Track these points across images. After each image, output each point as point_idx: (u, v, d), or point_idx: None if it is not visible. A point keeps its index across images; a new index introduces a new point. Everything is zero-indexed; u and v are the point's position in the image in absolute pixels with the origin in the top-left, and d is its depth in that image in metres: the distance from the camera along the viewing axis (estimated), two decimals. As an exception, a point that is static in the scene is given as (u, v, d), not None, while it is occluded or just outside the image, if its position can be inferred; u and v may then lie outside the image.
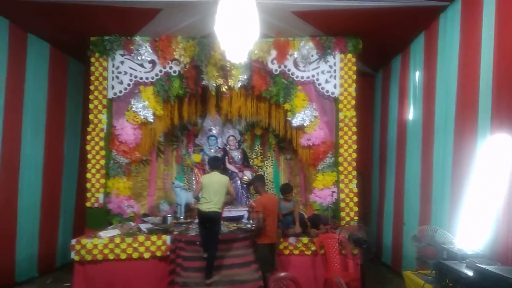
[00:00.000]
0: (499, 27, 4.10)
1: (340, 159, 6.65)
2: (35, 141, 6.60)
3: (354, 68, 6.77)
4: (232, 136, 7.99)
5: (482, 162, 4.27)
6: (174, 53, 6.56)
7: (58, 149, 7.27)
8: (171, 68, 6.66)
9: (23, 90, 6.30)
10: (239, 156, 7.90)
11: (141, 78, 6.68)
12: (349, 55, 6.75)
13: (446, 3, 5.25)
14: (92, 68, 6.66)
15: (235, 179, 7.70)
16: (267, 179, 7.93)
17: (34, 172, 6.56)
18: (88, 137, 6.57)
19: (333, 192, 6.57)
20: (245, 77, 6.72)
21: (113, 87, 6.65)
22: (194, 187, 7.69)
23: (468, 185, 4.51)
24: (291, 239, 5.76)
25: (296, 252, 5.76)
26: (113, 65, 6.67)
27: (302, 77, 6.75)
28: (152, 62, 6.69)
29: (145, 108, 6.66)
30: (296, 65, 6.75)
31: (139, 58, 6.66)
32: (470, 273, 3.14)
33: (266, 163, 8.40)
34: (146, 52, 6.64)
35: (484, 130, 4.23)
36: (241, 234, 5.91)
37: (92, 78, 6.65)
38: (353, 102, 6.71)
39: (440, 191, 5.34)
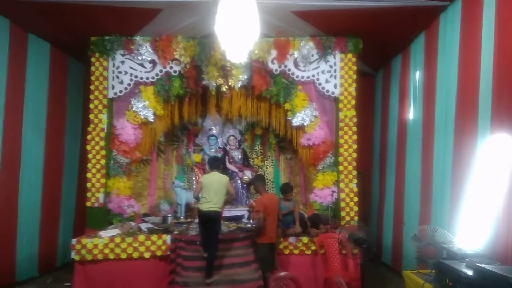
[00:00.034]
0: (499, 27, 4.10)
1: (340, 158, 6.66)
2: (36, 141, 6.60)
3: (354, 68, 6.77)
4: (233, 136, 8.00)
5: (482, 162, 4.27)
6: (175, 53, 6.56)
7: (58, 148, 7.28)
8: (171, 68, 6.67)
9: (24, 90, 6.31)
10: (240, 156, 7.91)
11: (141, 78, 6.69)
12: (349, 55, 6.75)
13: (446, 3, 5.26)
14: (93, 68, 6.66)
15: (235, 178, 7.71)
16: (267, 179, 7.94)
17: (35, 172, 6.57)
18: (89, 137, 6.57)
19: (333, 191, 6.57)
20: (246, 77, 6.73)
21: (113, 87, 6.66)
22: (194, 186, 7.69)
23: (468, 184, 4.52)
24: (291, 239, 5.77)
25: (296, 251, 5.76)
26: (114, 65, 6.67)
27: (303, 77, 6.75)
28: (153, 62, 6.69)
29: (145, 108, 6.66)
30: (296, 65, 6.76)
31: (139, 58, 6.66)
32: (470, 272, 3.14)
33: (266, 162, 8.41)
34: (146, 52, 6.64)
35: (484, 130, 4.23)
36: (241, 234, 5.91)
37: (92, 78, 6.66)
38: (353, 102, 6.71)
39: (440, 191, 5.35)
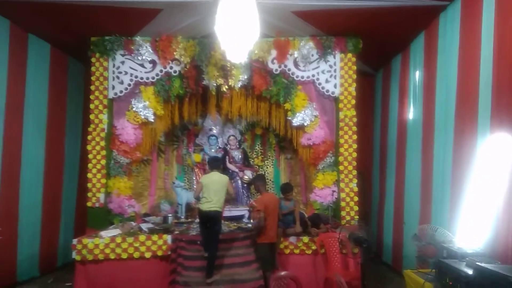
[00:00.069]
0: (498, 26, 4.11)
1: (341, 158, 6.67)
2: (36, 141, 6.61)
3: (354, 67, 6.78)
4: (233, 135, 8.00)
5: (482, 161, 4.28)
6: (175, 53, 6.57)
7: (59, 149, 7.29)
8: (171, 68, 6.67)
9: (24, 90, 6.31)
10: (240, 156, 7.91)
11: (141, 78, 6.69)
12: (349, 55, 6.76)
13: (446, 2, 5.26)
14: (93, 68, 6.67)
15: (235, 178, 7.72)
16: (267, 179, 7.94)
17: (35, 172, 6.58)
18: (89, 137, 6.58)
19: (334, 191, 6.58)
20: (246, 77, 6.73)
21: (113, 87, 6.66)
22: (194, 186, 7.70)
23: (468, 184, 4.53)
24: (292, 238, 5.78)
25: (297, 251, 5.77)
26: (114, 65, 6.68)
27: (302, 77, 6.76)
28: (153, 62, 6.70)
29: (145, 108, 6.67)
30: (296, 64, 6.76)
31: (139, 58, 6.67)
32: (470, 271, 3.15)
33: (267, 162, 8.41)
34: (146, 52, 6.65)
35: (484, 129, 4.24)
36: (242, 234, 5.92)
37: (92, 78, 6.66)
38: (353, 101, 6.72)
39: (440, 190, 5.36)
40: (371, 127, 8.65)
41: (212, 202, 5.22)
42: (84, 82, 7.55)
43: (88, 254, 5.43)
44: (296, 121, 6.75)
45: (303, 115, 6.69)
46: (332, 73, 6.76)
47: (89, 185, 6.50)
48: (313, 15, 5.97)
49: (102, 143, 6.57)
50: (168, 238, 5.64)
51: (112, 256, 5.48)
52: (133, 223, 6.35)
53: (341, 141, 6.68)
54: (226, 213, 6.36)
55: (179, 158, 8.30)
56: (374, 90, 8.71)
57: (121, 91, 6.66)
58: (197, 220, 5.76)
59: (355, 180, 6.65)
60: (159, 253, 5.58)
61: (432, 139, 5.67)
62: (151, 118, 6.74)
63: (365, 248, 3.78)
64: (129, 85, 6.68)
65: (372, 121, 8.67)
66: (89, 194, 6.49)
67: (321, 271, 5.64)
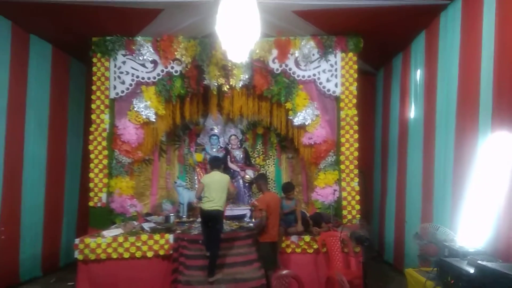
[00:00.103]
0: (499, 25, 4.11)
1: (342, 157, 6.67)
2: (38, 142, 6.63)
3: (355, 66, 6.78)
4: (234, 135, 8.02)
5: (483, 160, 4.28)
6: (176, 53, 6.58)
7: (60, 149, 7.30)
8: (172, 68, 6.68)
9: (26, 90, 6.33)
10: (241, 155, 7.93)
11: (143, 78, 6.71)
12: (350, 54, 6.76)
13: (446, 1, 5.26)
14: (94, 69, 6.68)
15: (237, 178, 7.74)
16: (269, 178, 7.96)
17: (37, 172, 6.60)
18: (91, 137, 6.60)
19: (335, 190, 6.59)
20: (247, 76, 6.74)
21: (115, 87, 6.68)
22: (196, 186, 7.72)
23: (470, 182, 4.53)
24: (293, 237, 5.79)
25: (298, 250, 5.78)
26: (115, 65, 6.69)
27: (304, 76, 6.76)
28: (154, 62, 6.71)
29: (147, 108, 6.68)
30: (297, 64, 6.76)
31: (140, 58, 6.68)
32: (471, 270, 3.16)
33: (268, 162, 8.42)
34: (147, 52, 6.66)
35: (485, 128, 4.24)
36: (244, 233, 5.93)
37: (94, 78, 6.67)
38: (355, 100, 6.72)
39: (441, 189, 5.36)
40: (372, 126, 8.65)
41: (213, 201, 5.24)
42: (85, 82, 7.57)
43: (90, 253, 5.46)
44: (297, 120, 6.75)
45: (304, 115, 6.70)
46: (333, 72, 6.77)
47: (91, 185, 6.52)
48: (314, 15, 5.98)
49: (104, 143, 6.59)
50: (170, 237, 5.65)
51: (114, 256, 5.50)
52: (135, 223, 6.37)
53: (343, 140, 6.69)
54: (228, 213, 6.38)
55: (181, 157, 8.32)
56: (375, 89, 8.71)
57: (122, 91, 6.68)
58: (199, 219, 5.77)
59: (357, 179, 6.66)
60: (161, 252, 5.60)
61: (433, 138, 5.67)
62: (153, 118, 6.76)
63: (367, 247, 3.80)
64: (131, 85, 6.69)
65: (373, 120, 8.67)
66: (91, 194, 6.51)
67: (323, 270, 5.65)
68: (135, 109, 6.66)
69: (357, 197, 6.62)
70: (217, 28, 4.71)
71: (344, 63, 6.76)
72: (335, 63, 6.77)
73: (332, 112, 6.86)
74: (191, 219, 6.82)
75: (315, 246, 5.74)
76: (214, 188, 5.30)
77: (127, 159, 6.68)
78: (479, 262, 3.11)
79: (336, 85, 6.76)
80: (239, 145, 8.03)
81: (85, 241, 5.49)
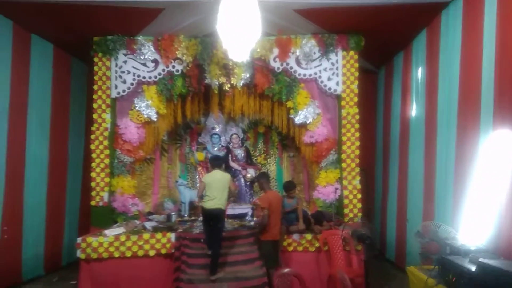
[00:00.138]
0: (500, 22, 4.11)
1: (343, 156, 6.67)
2: (40, 141, 6.65)
3: (357, 65, 6.78)
4: (235, 134, 8.04)
5: (484, 158, 4.28)
6: (177, 52, 6.58)
7: (62, 148, 7.32)
8: (173, 67, 6.69)
9: (27, 90, 6.35)
10: (242, 154, 7.94)
11: (144, 77, 6.72)
12: (351, 52, 6.75)
13: (447, -1, 5.27)
14: (96, 68, 6.69)
15: (238, 177, 7.76)
16: (270, 177, 7.96)
17: (39, 172, 6.62)
18: (92, 137, 6.61)
19: (336, 189, 6.60)
20: (248, 75, 6.74)
21: (116, 87, 6.69)
22: (198, 185, 7.73)
23: (471, 180, 4.53)
24: (295, 236, 5.80)
25: (300, 248, 5.79)
26: (116, 65, 6.70)
27: (305, 75, 6.76)
28: (155, 61, 6.72)
29: (148, 107, 6.69)
30: (298, 62, 6.76)
31: (142, 57, 6.69)
32: (473, 268, 3.17)
33: (269, 160, 8.43)
34: (148, 51, 6.67)
35: (487, 126, 4.25)
36: (245, 231, 5.94)
37: (95, 77, 6.68)
38: (356, 99, 6.72)
39: (443, 187, 5.36)
40: (374, 124, 8.65)
41: (215, 200, 5.25)
42: (87, 82, 7.59)
43: (92, 252, 5.47)
44: (298, 119, 6.75)
45: (306, 113, 6.69)
46: (334, 70, 6.76)
47: (93, 184, 6.54)
48: (314, 13, 5.98)
49: (106, 142, 6.60)
50: (172, 236, 5.67)
51: (116, 255, 5.52)
52: (137, 222, 6.38)
53: (344, 138, 6.69)
54: (229, 211, 6.39)
55: (182, 156, 8.34)
56: (377, 88, 8.70)
57: (123, 91, 6.69)
58: (201, 218, 5.78)
59: (358, 178, 6.66)
60: (163, 251, 5.62)
61: (434, 136, 5.67)
62: (154, 117, 6.77)
63: (368, 245, 3.80)
64: (132, 84, 6.70)
65: (374, 118, 8.67)
66: (93, 193, 6.53)
67: (325, 268, 5.66)
68: (137, 108, 6.67)
69: (359, 196, 6.62)
70: (218, 27, 4.71)
71: (345, 61, 6.76)
72: (336, 61, 6.77)
73: (334, 110, 6.86)
74: (192, 218, 6.84)
75: (317, 245, 5.75)
76: (216, 187, 5.31)
77: (128, 158, 6.69)
78: (481, 260, 3.12)
79: (337, 84, 6.75)
80: (241, 144, 8.04)
81: (87, 240, 5.51)
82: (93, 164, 6.57)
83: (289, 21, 6.22)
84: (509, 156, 3.86)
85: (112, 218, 6.54)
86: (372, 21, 6.08)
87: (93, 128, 6.63)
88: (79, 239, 5.55)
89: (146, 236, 5.63)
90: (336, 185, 6.63)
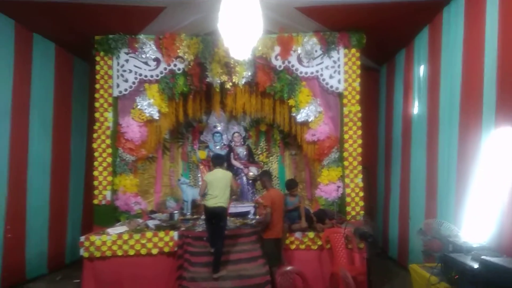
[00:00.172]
0: (503, 19, 4.09)
1: (345, 154, 6.67)
2: (42, 140, 6.67)
3: (358, 63, 6.77)
4: (237, 132, 8.05)
5: (487, 155, 4.27)
6: (178, 50, 6.59)
7: (65, 147, 7.34)
8: (175, 65, 6.69)
9: (30, 90, 6.35)
10: (244, 152, 7.95)
11: (145, 76, 6.72)
12: (353, 50, 6.74)
13: (449, -4, 5.25)
14: (97, 67, 6.70)
15: (240, 175, 7.76)
16: (272, 175, 7.96)
17: (42, 171, 6.64)
18: (95, 135, 6.63)
19: (339, 187, 6.60)
20: (249, 73, 6.74)
21: (118, 85, 6.70)
22: (200, 183, 7.74)
23: (473, 178, 4.52)
24: (297, 234, 5.80)
25: (303, 246, 5.79)
26: (118, 64, 6.71)
27: (306, 73, 6.76)
28: (157, 60, 6.72)
29: (150, 105, 6.70)
30: (300, 60, 6.76)
31: (143, 56, 6.70)
32: (475, 265, 3.16)
33: (271, 159, 8.43)
34: (150, 50, 6.68)
35: (489, 123, 4.23)
36: (248, 229, 5.96)
37: (97, 76, 6.70)
38: (358, 97, 6.71)
39: (445, 185, 5.35)
40: (376, 122, 8.63)
41: (217, 198, 5.27)
42: (89, 81, 7.60)
43: (95, 251, 5.49)
44: (300, 117, 6.75)
45: (307, 111, 6.69)
46: (336, 68, 6.75)
47: (96, 183, 6.56)
48: (316, 11, 5.97)
49: (108, 141, 6.62)
50: (174, 234, 5.68)
51: (119, 253, 5.54)
52: (140, 220, 6.41)
53: (346, 136, 6.69)
54: (231, 210, 6.39)
55: (184, 155, 8.35)
56: (379, 85, 8.68)
57: (125, 89, 6.70)
58: (203, 216, 5.80)
59: (360, 176, 6.66)
60: (166, 249, 5.63)
61: (436, 134, 5.66)
62: (156, 115, 6.78)
63: (371, 243, 3.80)
64: (134, 83, 6.71)
65: (376, 116, 8.65)
66: (96, 192, 6.55)
67: (327, 266, 5.67)
68: (138, 107, 6.68)
69: (361, 194, 6.62)
70: (220, 25, 4.70)
71: (347, 59, 6.75)
72: (338, 59, 6.76)
73: (335, 108, 6.85)
74: (195, 216, 6.86)
75: (319, 243, 5.75)
76: (217, 185, 5.32)
77: (131, 157, 6.71)
78: (483, 257, 3.12)
79: (339, 82, 6.75)
80: (242, 142, 8.05)
81: (91, 238, 5.53)
82: (96, 163, 6.59)
83: (291, 19, 6.21)
84: (511, 154, 3.85)
85: (114, 216, 6.56)
86: (373, 18, 6.07)
87: (95, 127, 6.65)
88: (82, 238, 5.57)
89: (149, 234, 5.65)
90: (338, 183, 6.63)
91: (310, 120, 6.71)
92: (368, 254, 3.83)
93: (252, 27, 4.59)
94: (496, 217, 4.00)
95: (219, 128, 8.09)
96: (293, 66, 6.72)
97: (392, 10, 5.71)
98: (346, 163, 6.66)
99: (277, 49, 6.65)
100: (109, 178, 6.57)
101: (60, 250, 7.08)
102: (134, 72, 6.71)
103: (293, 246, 5.78)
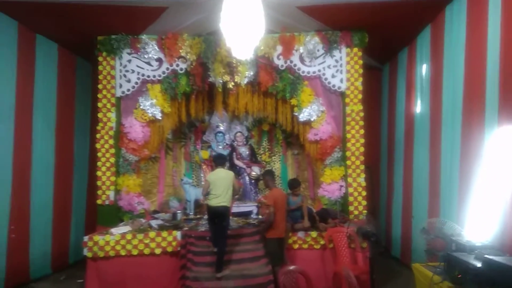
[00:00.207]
0: (505, 17, 4.08)
1: (348, 153, 6.67)
2: (46, 141, 6.69)
3: (361, 62, 6.75)
4: (240, 132, 8.05)
5: (490, 154, 4.26)
6: (181, 50, 6.59)
7: (68, 148, 7.36)
8: (177, 65, 6.70)
9: (33, 90, 6.38)
10: (247, 152, 7.95)
11: (148, 76, 6.73)
12: (355, 49, 6.73)
13: (451, -5, 5.24)
14: (100, 67, 6.72)
15: (243, 175, 7.77)
16: (275, 174, 7.96)
17: (46, 171, 6.66)
18: (98, 136, 6.65)
19: (341, 186, 6.59)
20: (252, 73, 6.74)
21: (121, 86, 6.72)
22: (202, 183, 7.75)
23: (476, 177, 4.52)
24: (300, 233, 5.80)
25: (305, 246, 5.79)
26: (121, 64, 6.73)
27: (308, 72, 6.75)
28: (159, 60, 6.73)
29: (153, 105, 6.71)
30: (302, 60, 6.75)
31: (146, 56, 6.71)
32: (478, 264, 3.16)
33: (274, 158, 8.43)
34: (152, 50, 6.69)
35: (492, 122, 4.22)
36: (251, 229, 5.96)
37: (100, 77, 6.72)
38: (360, 96, 6.70)
39: (448, 184, 5.34)
40: (378, 121, 8.62)
41: (219, 198, 5.28)
42: (91, 81, 7.62)
43: (99, 251, 5.51)
44: (302, 116, 6.75)
45: (310, 111, 6.69)
46: (338, 67, 6.75)
47: (99, 183, 6.58)
48: (318, 10, 5.96)
49: (111, 141, 6.64)
50: (177, 234, 5.69)
51: (122, 253, 5.56)
52: (143, 220, 6.42)
53: (348, 136, 6.68)
54: (234, 209, 6.40)
55: (187, 155, 8.36)
56: (381, 84, 8.67)
57: (128, 90, 6.71)
58: (206, 216, 5.81)
59: (363, 175, 6.65)
60: (169, 249, 5.65)
61: (439, 133, 5.65)
62: (159, 115, 6.79)
63: (374, 242, 3.79)
64: (136, 83, 6.72)
65: (379, 115, 8.64)
66: (99, 192, 6.57)
67: (330, 266, 5.67)
68: (141, 107, 6.70)
69: (364, 193, 6.61)
70: (222, 25, 4.71)
71: (349, 58, 6.74)
72: (340, 58, 6.75)
73: (338, 107, 6.84)
74: (198, 216, 6.87)
75: (322, 242, 5.75)
76: (220, 185, 5.33)
77: (134, 157, 6.72)
78: (486, 256, 3.11)
79: (341, 81, 6.74)
80: (245, 142, 8.05)
81: (94, 238, 5.55)
82: (99, 163, 6.61)
83: (293, 18, 6.21)
84: (514, 152, 3.84)
85: (118, 216, 6.58)
86: (375, 17, 6.06)
87: (98, 127, 6.67)
88: (85, 238, 5.59)
89: (152, 234, 5.66)
90: (341, 183, 6.62)
91: (312, 119, 6.71)
92: (371, 253, 3.82)
93: (254, 26, 4.59)
94: (499, 216, 4.00)
95: (221, 128, 8.10)
96: (295, 65, 6.72)
97: (394, 8, 5.70)
98: (348, 162, 6.66)
99: (279, 49, 6.65)
100: (112, 178, 6.59)
101: (63, 250, 7.11)
102: (137, 72, 6.72)
103: (296, 246, 5.79)
